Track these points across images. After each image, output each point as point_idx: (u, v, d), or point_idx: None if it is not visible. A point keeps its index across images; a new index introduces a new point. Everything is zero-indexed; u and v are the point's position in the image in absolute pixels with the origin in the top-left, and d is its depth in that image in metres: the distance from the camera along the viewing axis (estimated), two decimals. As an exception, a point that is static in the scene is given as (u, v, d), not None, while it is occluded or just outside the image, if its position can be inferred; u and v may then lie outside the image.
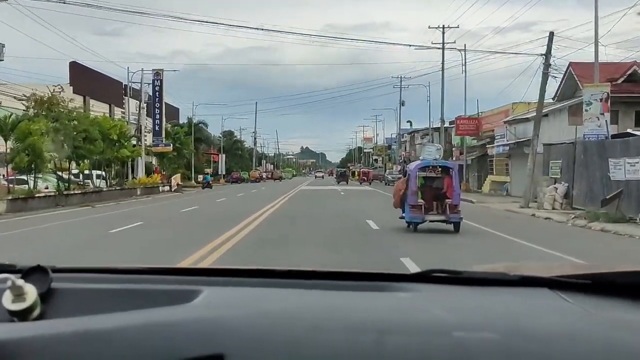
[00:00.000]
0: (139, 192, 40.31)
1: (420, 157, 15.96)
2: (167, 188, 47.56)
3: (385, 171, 78.17)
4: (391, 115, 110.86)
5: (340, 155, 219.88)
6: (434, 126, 58.10)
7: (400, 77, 79.48)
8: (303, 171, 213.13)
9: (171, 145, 53.06)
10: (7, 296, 1.12)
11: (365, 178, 72.52)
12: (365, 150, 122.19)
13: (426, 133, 68.06)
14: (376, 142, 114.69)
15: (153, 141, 52.77)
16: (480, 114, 48.82)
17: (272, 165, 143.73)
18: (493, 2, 52.20)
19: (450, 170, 14.92)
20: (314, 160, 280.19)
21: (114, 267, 1.52)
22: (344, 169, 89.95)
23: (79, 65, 52.07)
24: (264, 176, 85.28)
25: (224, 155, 79.33)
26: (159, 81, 53.11)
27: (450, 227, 14.53)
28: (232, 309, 1.13)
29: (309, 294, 1.28)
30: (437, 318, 1.08)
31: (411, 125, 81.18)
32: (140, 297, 1.23)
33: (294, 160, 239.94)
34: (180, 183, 51.23)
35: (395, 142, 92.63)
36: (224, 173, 78.55)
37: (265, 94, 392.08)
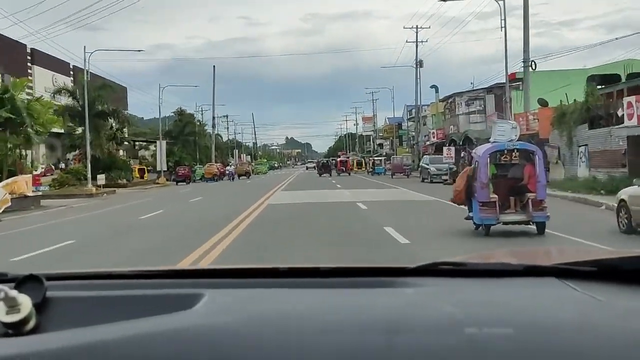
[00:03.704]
0: None
1: (491, 140, 12.76)
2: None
3: (402, 158, 51.97)
4: (385, 97, 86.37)
5: (327, 144, 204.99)
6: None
7: (417, 28, 54.93)
8: (288, 162, 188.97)
9: None
10: (1, 308, 1.07)
11: (344, 168, 61.76)
12: (364, 134, 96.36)
13: (474, 97, 42.79)
14: (375, 124, 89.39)
15: None
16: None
17: (249, 157, 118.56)
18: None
19: (533, 154, 12.22)
20: (299, 151, 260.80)
21: (111, 272, 1.46)
22: (327, 159, 74.68)
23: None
24: (227, 171, 58.96)
25: (163, 143, 53.35)
26: None
27: (533, 228, 11.63)
28: (236, 313, 1.10)
29: (313, 293, 1.26)
30: (446, 314, 1.06)
31: (437, 90, 55.83)
32: (139, 303, 1.17)
33: (278, 150, 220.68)
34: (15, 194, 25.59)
35: (408, 118, 67.27)
36: (164, 169, 52.80)
37: (250, 85, 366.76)
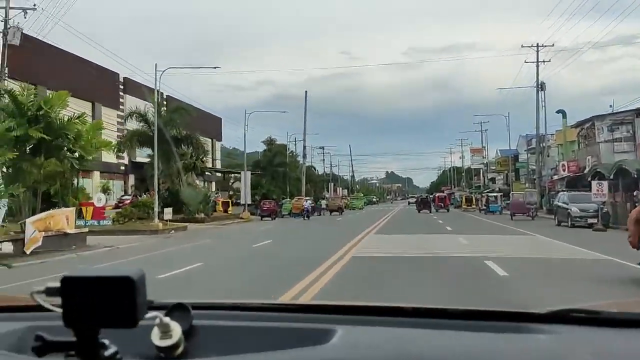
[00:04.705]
0: None
1: None
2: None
3: (526, 195, 43.19)
4: (493, 129, 78.29)
5: (429, 179, 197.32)
6: None
7: (537, 46, 47.46)
8: (388, 197, 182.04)
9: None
10: (155, 333, 1.16)
11: (442, 204, 60.09)
12: (472, 167, 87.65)
13: (620, 122, 34.58)
14: (486, 156, 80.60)
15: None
16: None
17: (345, 191, 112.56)
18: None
19: None
20: (400, 185, 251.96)
21: (250, 304, 1.53)
22: (426, 195, 74.91)
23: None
24: (305, 207, 52.06)
25: (248, 174, 48.17)
26: None
27: None
28: (372, 350, 1.14)
29: (443, 335, 1.25)
30: None
31: (564, 116, 47.26)
32: (276, 335, 1.26)
33: (378, 185, 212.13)
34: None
35: (527, 149, 58.78)
36: (248, 202, 47.56)
37: (349, 119, 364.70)
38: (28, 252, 20.39)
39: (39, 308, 1.12)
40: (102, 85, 45.87)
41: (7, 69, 22.67)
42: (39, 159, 20.64)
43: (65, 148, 21.30)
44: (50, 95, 20.67)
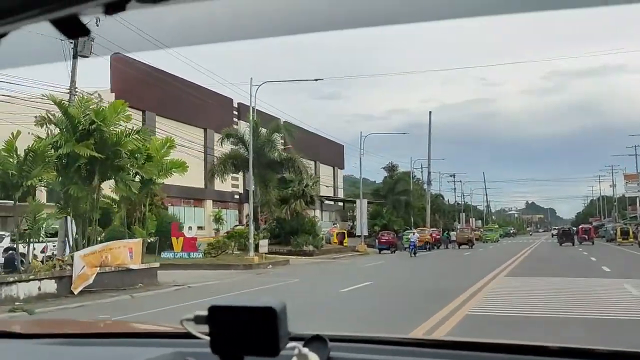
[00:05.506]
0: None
1: None
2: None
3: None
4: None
5: (575, 209, 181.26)
6: None
7: None
8: (528, 229, 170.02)
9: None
10: None
11: (586, 236, 56.16)
12: (627, 195, 76.80)
13: None
14: (642, 182, 69.69)
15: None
16: None
17: (479, 222, 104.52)
18: None
19: None
20: (541, 216, 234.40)
21: (388, 338, 1.51)
22: (568, 227, 69.48)
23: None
24: (411, 241, 45.43)
25: (364, 202, 43.68)
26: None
27: None
28: None
29: None
30: None
31: None
32: None
33: (517, 216, 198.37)
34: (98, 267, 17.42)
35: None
36: (364, 233, 43.00)
37: (485, 147, 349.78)
38: (76, 291, 17.24)
39: (187, 335, 1.22)
40: (215, 112, 43.93)
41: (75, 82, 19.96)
42: (93, 181, 17.54)
43: (125, 169, 18.10)
44: (102, 108, 17.55)
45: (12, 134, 15.19)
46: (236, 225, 44.02)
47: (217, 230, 39.21)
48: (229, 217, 48.38)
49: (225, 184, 44.04)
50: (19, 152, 15.52)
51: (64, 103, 17.37)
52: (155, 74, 35.04)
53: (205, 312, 1.10)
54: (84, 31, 0.81)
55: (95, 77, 38.87)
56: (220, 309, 1.09)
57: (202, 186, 44.44)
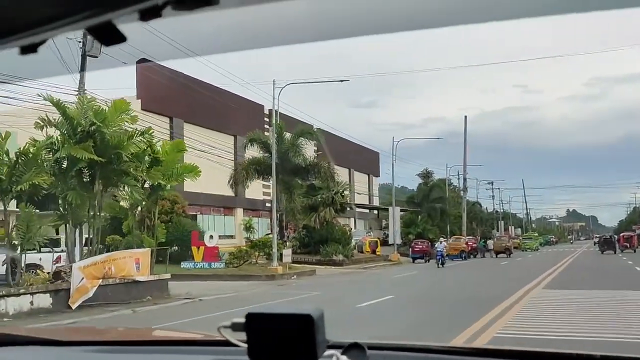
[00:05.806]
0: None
1: None
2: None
3: None
4: None
5: (617, 217, 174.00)
6: None
7: None
8: (569, 237, 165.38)
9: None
10: None
11: (628, 244, 54.71)
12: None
13: None
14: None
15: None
16: None
17: (519, 230, 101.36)
18: None
19: None
20: (583, 224, 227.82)
21: (425, 346, 1.47)
22: (610, 235, 67.92)
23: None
24: (438, 249, 42.65)
25: (397, 210, 41.91)
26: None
27: None
28: None
29: None
30: None
31: None
32: None
33: (557, 224, 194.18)
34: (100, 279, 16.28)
35: None
36: (397, 242, 41.24)
37: (525, 155, 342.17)
38: (74, 306, 16.00)
39: (225, 343, 1.22)
40: (245, 118, 42.89)
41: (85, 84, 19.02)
42: (93, 186, 16.41)
43: (130, 174, 16.92)
44: (103, 108, 16.43)
45: (1, 135, 14.17)
46: (267, 234, 42.76)
47: (248, 239, 37.96)
48: (260, 226, 47.10)
49: (257, 192, 42.88)
50: (10, 156, 14.49)
51: (62, 104, 16.30)
52: (183, 81, 34.15)
53: (242, 320, 1.10)
54: (120, 38, 0.80)
55: (121, 83, 38.26)
56: (257, 317, 1.08)
57: (233, 194, 43.43)
